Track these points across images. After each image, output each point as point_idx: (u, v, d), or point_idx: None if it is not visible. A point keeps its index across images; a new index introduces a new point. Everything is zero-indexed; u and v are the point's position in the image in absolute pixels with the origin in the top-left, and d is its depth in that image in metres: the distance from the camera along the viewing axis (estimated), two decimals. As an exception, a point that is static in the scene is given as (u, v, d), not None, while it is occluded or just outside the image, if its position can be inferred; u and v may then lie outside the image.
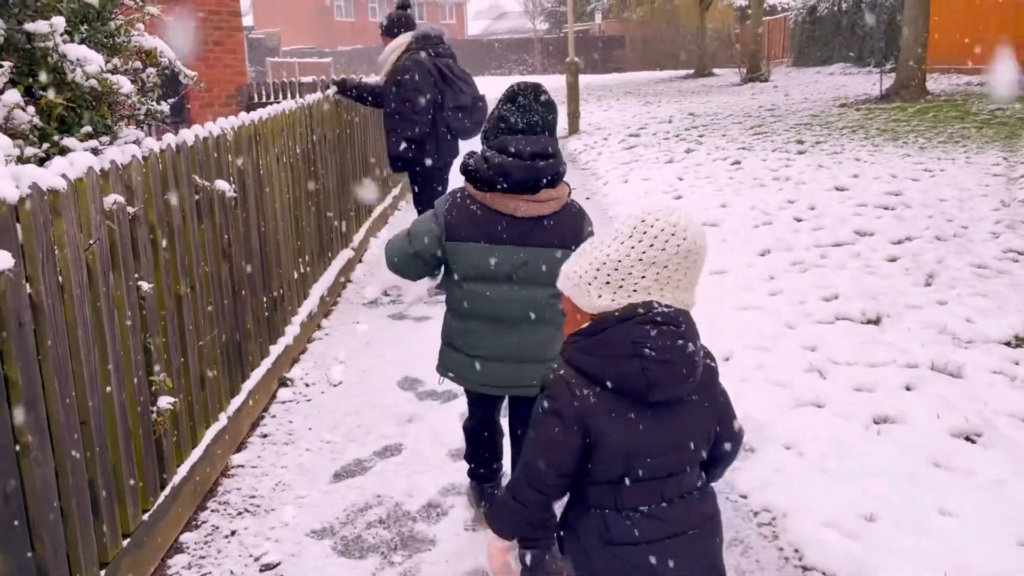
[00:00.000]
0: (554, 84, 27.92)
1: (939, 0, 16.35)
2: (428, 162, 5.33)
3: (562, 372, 1.65)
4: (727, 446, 1.76)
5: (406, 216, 8.39)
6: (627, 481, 1.64)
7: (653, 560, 1.63)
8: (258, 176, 4.08)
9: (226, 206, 3.51)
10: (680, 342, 1.55)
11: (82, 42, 2.82)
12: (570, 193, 2.54)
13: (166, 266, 2.95)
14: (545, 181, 2.42)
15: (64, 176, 2.25)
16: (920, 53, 14.71)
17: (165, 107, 3.44)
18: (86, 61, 2.47)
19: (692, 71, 30.55)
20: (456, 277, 2.55)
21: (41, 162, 2.48)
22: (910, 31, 14.60)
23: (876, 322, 4.61)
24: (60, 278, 2.26)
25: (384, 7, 53.91)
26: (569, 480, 1.69)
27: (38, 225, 2.12)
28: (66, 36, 2.66)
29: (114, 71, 2.87)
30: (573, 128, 15.07)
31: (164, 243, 2.95)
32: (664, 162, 10.39)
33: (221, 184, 3.32)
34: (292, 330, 4.52)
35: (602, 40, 41.53)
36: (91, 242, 2.38)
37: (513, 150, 2.38)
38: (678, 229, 1.56)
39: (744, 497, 3.10)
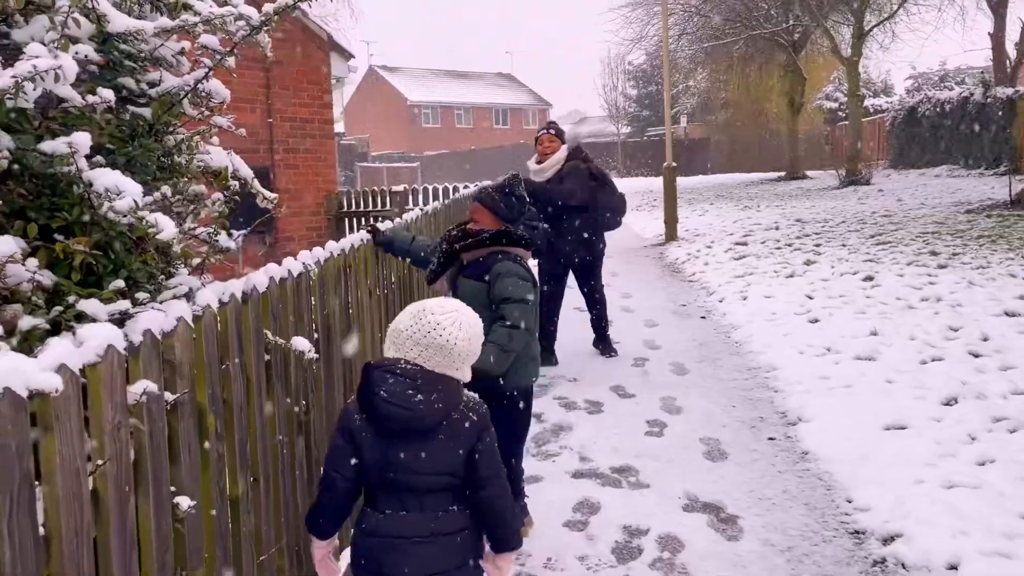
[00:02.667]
0: (642, 186, 27.45)
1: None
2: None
3: (350, 400, 2.20)
4: (481, 493, 2.16)
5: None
6: (377, 489, 2.17)
7: (382, 551, 2.12)
8: (347, 317, 3.31)
9: (305, 367, 2.72)
10: (409, 392, 2.07)
11: (128, 163, 2.10)
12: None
13: (219, 461, 2.15)
14: None
15: (62, 368, 1.47)
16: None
17: (232, 243, 2.70)
18: (117, 193, 1.73)
19: (783, 174, 29.61)
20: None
21: (47, 334, 1.71)
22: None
23: None
24: (44, 528, 1.45)
25: (469, 116, 55.20)
26: (352, 483, 2.18)
27: (6, 457, 1.33)
28: (100, 158, 1.94)
29: (164, 203, 2.14)
30: (671, 235, 14.22)
31: (218, 427, 2.15)
32: (784, 276, 9.37)
33: (300, 343, 2.53)
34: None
35: (687, 143, 41.15)
36: (100, 462, 1.58)
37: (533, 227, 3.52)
38: (441, 328, 2.12)
39: None
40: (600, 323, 6.77)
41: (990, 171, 20.25)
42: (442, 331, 2.10)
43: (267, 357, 2.50)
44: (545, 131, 6.52)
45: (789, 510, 3.86)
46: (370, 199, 10.52)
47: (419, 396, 2.04)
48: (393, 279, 4.16)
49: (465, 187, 9.25)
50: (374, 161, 41.78)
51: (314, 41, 10.61)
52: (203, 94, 2.39)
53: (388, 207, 10.13)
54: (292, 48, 10.21)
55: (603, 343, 6.75)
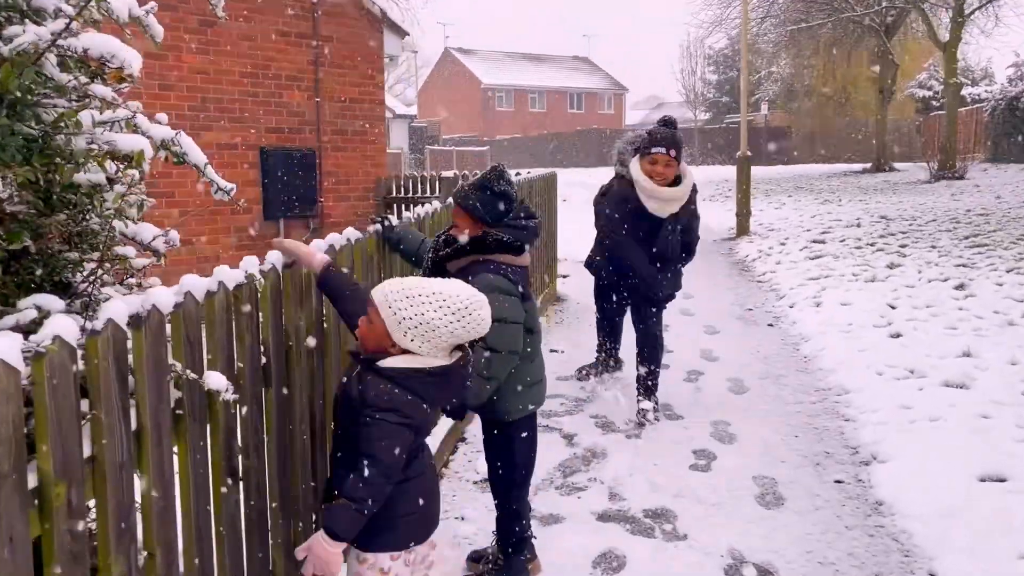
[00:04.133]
0: (717, 176, 26.37)
1: None
2: None
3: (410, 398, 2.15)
4: None
5: (546, 335, 6.97)
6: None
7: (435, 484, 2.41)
8: (319, 334, 2.76)
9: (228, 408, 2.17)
10: None
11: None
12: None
13: (75, 544, 1.62)
14: None
15: None
16: None
17: (165, 239, 2.18)
18: None
19: (868, 165, 28.06)
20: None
21: None
22: None
23: None
24: None
25: (543, 100, 54.43)
26: None
27: None
28: None
29: (16, 194, 1.61)
30: (742, 229, 13.35)
31: (73, 499, 1.62)
32: (864, 280, 8.49)
33: (215, 380, 1.99)
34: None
35: (767, 131, 39.56)
36: None
37: (518, 217, 2.93)
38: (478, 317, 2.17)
39: None
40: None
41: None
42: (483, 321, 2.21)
43: (178, 395, 1.97)
44: (662, 149, 4.71)
45: (856, 581, 3.17)
46: (419, 184, 10.01)
47: None
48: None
49: (517, 174, 8.62)
50: (445, 144, 41.48)
51: (367, 17, 10.12)
52: (99, 58, 1.85)
53: (437, 193, 9.60)
54: (343, 24, 9.74)
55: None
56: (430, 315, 2.12)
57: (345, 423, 2.23)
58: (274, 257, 2.54)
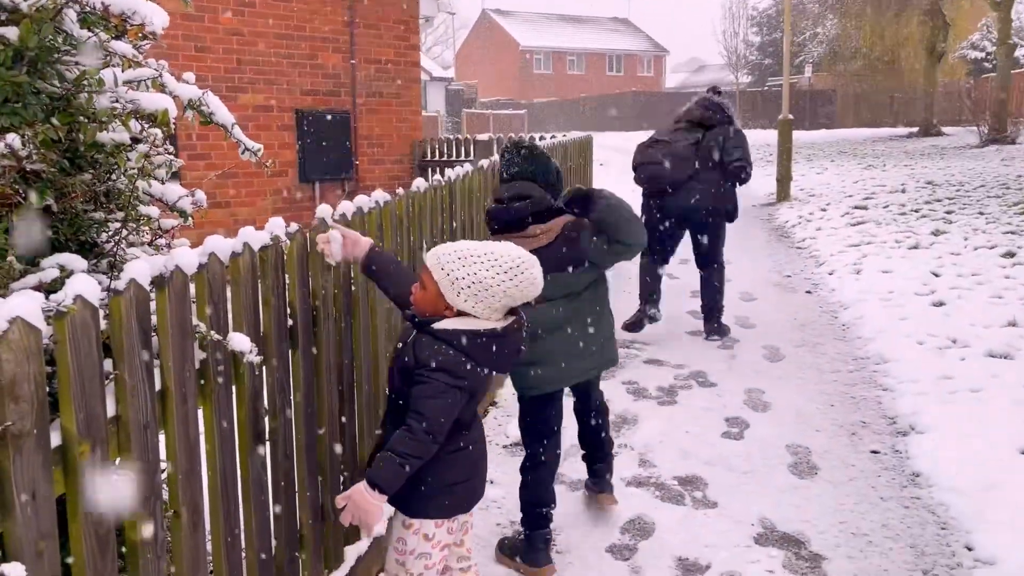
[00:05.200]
0: (759, 140, 25.91)
1: None
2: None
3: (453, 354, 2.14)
4: None
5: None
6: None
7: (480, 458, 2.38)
8: (347, 301, 2.75)
9: (253, 370, 2.17)
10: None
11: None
12: (567, 224, 2.90)
13: (100, 499, 1.63)
14: (531, 219, 2.88)
15: None
16: None
17: (190, 200, 2.18)
18: None
19: (915, 130, 27.30)
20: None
21: None
22: None
23: None
24: None
25: (581, 63, 53.70)
26: None
27: None
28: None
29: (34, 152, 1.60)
30: (783, 194, 13.10)
31: (100, 453, 1.63)
32: (907, 247, 8.28)
33: (239, 342, 1.99)
34: (388, 508, 3.13)
35: (811, 94, 38.62)
36: None
37: (496, 198, 2.97)
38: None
39: None
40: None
41: None
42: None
43: (203, 356, 1.97)
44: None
45: (889, 553, 3.11)
46: (454, 148, 9.95)
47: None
48: (425, 247, 3.57)
49: (541, 137, 8.52)
50: (482, 107, 41.17)
51: (402, -23, 10.01)
52: (120, 15, 1.83)
53: (472, 156, 9.54)
54: (378, -16, 9.65)
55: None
56: (483, 274, 2.14)
57: (399, 387, 2.24)
58: (323, 211, 2.54)
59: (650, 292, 5.92)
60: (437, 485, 2.24)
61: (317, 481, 2.60)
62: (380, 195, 3.06)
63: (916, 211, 10.54)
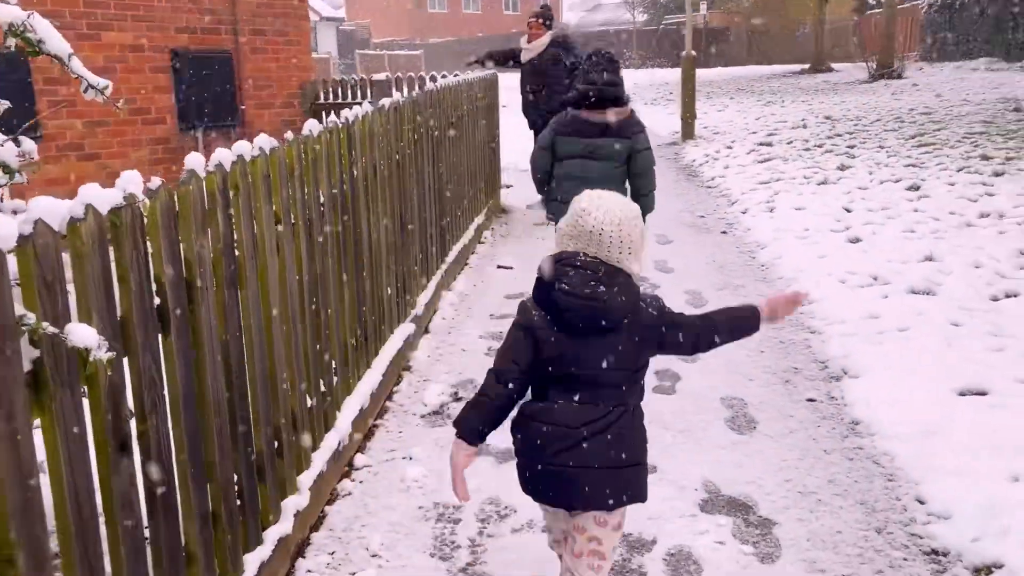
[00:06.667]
0: (658, 79, 25.89)
1: None
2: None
3: (526, 297, 2.14)
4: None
5: (492, 249, 6.56)
6: (552, 383, 2.06)
7: (555, 439, 2.02)
8: (230, 265, 2.30)
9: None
10: (592, 283, 1.98)
11: None
12: (632, 112, 4.40)
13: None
14: (609, 103, 4.26)
15: None
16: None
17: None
18: None
19: (807, 66, 27.82)
20: (558, 157, 4.47)
21: None
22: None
23: None
24: None
25: (477, 2, 52.41)
26: (526, 377, 2.07)
27: None
28: None
29: None
30: (687, 133, 12.98)
31: None
32: (816, 183, 8.25)
33: (81, 334, 1.54)
34: (294, 503, 2.74)
35: (706, 32, 38.85)
36: None
37: (590, 81, 4.27)
38: (586, 215, 2.04)
39: None
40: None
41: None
42: (588, 216, 2.04)
43: (36, 354, 1.52)
44: (535, 18, 7.98)
45: (840, 512, 2.93)
46: (348, 90, 9.32)
47: (602, 288, 1.97)
48: (322, 198, 3.12)
49: (444, 75, 8.01)
50: (376, 48, 39.68)
51: (283, -98, 9.17)
52: None
53: (369, 97, 8.94)
54: (257, -92, 8.80)
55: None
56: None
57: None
58: (194, 161, 2.09)
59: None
60: (645, 466, 2.17)
61: (204, 484, 2.19)
62: (265, 140, 2.59)
63: (819, 146, 10.58)
